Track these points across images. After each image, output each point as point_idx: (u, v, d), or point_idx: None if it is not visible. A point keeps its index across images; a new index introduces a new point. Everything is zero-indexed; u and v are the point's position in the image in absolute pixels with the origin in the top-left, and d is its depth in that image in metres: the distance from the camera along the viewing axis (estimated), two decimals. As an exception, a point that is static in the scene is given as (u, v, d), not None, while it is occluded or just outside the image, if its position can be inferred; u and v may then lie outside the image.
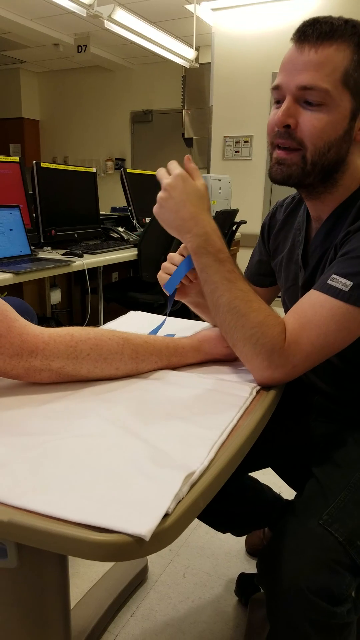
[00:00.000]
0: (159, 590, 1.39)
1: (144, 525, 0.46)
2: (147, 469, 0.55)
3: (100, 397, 0.74)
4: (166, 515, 0.48)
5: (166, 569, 1.46)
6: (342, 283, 0.76)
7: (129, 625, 1.27)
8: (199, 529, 1.62)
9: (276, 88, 0.83)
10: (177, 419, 0.68)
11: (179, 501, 0.50)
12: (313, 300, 0.79)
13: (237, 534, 1.33)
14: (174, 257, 0.99)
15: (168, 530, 0.47)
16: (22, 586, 0.60)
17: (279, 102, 0.84)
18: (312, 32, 0.78)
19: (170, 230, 0.90)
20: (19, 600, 0.61)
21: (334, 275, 0.78)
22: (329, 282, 0.78)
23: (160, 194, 0.88)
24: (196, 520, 1.25)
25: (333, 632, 0.78)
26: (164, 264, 1.01)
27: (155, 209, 0.91)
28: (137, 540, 0.45)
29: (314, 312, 0.78)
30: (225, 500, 1.16)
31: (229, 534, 1.29)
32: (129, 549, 0.45)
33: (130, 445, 0.60)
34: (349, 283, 0.76)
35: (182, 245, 0.99)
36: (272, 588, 0.80)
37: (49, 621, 0.63)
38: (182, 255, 0.98)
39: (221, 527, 1.25)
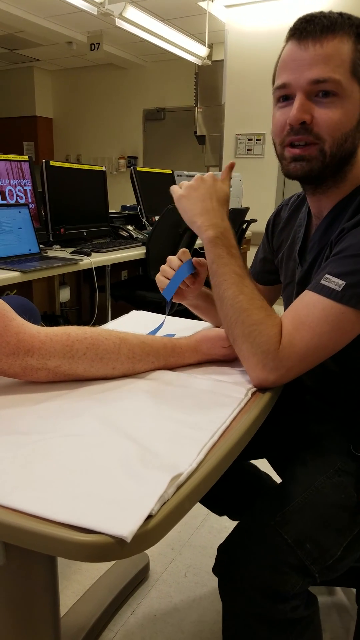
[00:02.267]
0: (159, 589, 1.39)
1: (126, 526, 0.46)
2: (134, 470, 0.55)
3: (95, 396, 0.75)
4: (150, 516, 0.48)
5: (167, 568, 1.46)
6: (335, 283, 0.75)
7: (129, 623, 1.28)
8: (201, 529, 1.62)
9: (283, 87, 0.82)
10: (170, 420, 0.68)
11: (164, 503, 0.51)
12: (306, 301, 0.79)
13: (234, 517, 1.33)
14: (173, 261, 1.00)
15: (151, 532, 0.47)
16: (10, 584, 0.61)
17: (285, 99, 0.83)
18: (314, 28, 0.78)
19: (190, 217, 0.90)
20: (7, 598, 0.62)
21: (327, 275, 0.77)
22: (322, 282, 0.77)
23: (189, 183, 0.92)
24: (199, 520, 1.26)
25: (282, 627, 0.81)
26: (163, 267, 1.01)
27: (179, 194, 0.92)
28: (119, 541, 0.45)
29: (307, 313, 0.77)
30: (224, 480, 1.17)
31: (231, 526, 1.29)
32: (110, 550, 0.45)
33: (119, 445, 0.60)
34: (341, 282, 0.75)
35: (180, 250, 1.00)
36: (222, 581, 0.84)
37: (37, 619, 0.64)
38: (181, 260, 0.98)
39: (218, 508, 1.26)
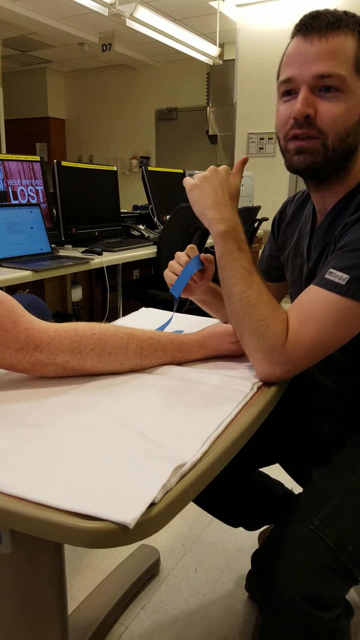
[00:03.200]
0: (170, 584, 1.40)
1: (129, 513, 0.47)
2: (139, 460, 0.56)
3: (103, 391, 0.76)
4: (153, 504, 0.49)
5: (178, 563, 1.47)
6: (339, 277, 0.76)
7: (140, 617, 1.29)
8: (212, 525, 1.63)
9: (287, 81, 0.83)
10: (175, 413, 0.69)
11: (167, 491, 0.52)
12: (311, 296, 0.79)
13: (250, 528, 1.33)
14: (181, 256, 1.01)
15: (154, 519, 0.48)
16: (18, 572, 0.62)
17: (288, 94, 0.84)
18: (319, 23, 0.79)
19: (201, 209, 0.90)
20: (15, 586, 0.63)
21: (331, 269, 0.77)
22: (327, 276, 0.78)
23: (203, 173, 0.92)
24: (210, 516, 1.27)
25: (323, 637, 0.79)
26: (171, 263, 1.02)
27: (191, 184, 0.92)
28: (122, 528, 0.46)
29: (312, 307, 0.78)
30: (237, 495, 1.18)
31: (241, 529, 1.30)
32: (114, 536, 0.46)
33: (125, 437, 0.61)
34: (345, 276, 0.75)
35: (188, 246, 1.00)
36: (264, 591, 0.82)
37: (45, 607, 0.65)
38: (188, 256, 0.99)
39: (233, 521, 1.26)
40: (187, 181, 0.94)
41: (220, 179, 0.91)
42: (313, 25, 0.80)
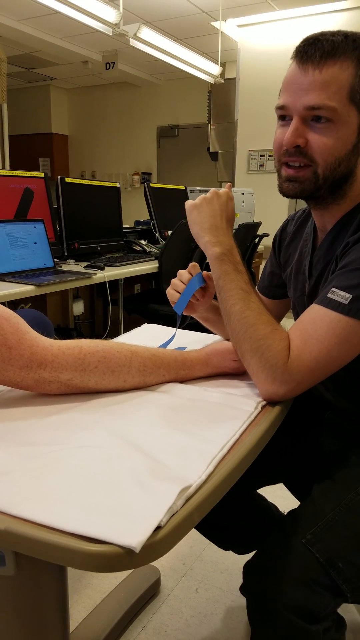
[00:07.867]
0: (170, 605, 1.38)
1: (135, 537, 0.46)
2: (144, 481, 0.55)
3: (106, 409, 0.76)
4: (159, 527, 0.49)
5: (179, 583, 1.45)
6: (341, 296, 0.76)
7: (140, 638, 1.27)
8: (213, 544, 1.61)
9: (281, 107, 0.84)
10: (180, 432, 0.69)
11: (173, 514, 0.51)
12: (313, 315, 0.79)
13: (239, 552, 1.31)
14: (183, 274, 1.01)
15: (160, 543, 0.48)
16: (21, 594, 0.61)
17: (284, 118, 0.85)
18: (315, 52, 0.78)
19: (198, 231, 0.92)
20: (18, 608, 0.62)
21: (333, 289, 0.78)
22: (329, 295, 0.78)
23: (204, 195, 0.94)
24: (211, 535, 1.25)
25: None
26: (173, 281, 1.02)
27: (192, 204, 0.94)
28: (128, 551, 0.46)
29: (314, 327, 0.78)
30: (230, 515, 1.16)
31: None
32: (119, 560, 0.46)
33: (130, 457, 0.61)
34: (348, 296, 0.76)
35: (190, 264, 1.01)
36: (252, 601, 0.82)
37: (47, 629, 0.64)
38: (191, 274, 0.99)
39: (222, 543, 1.24)
40: (188, 202, 0.96)
41: (221, 203, 0.94)
42: (309, 54, 0.79)
